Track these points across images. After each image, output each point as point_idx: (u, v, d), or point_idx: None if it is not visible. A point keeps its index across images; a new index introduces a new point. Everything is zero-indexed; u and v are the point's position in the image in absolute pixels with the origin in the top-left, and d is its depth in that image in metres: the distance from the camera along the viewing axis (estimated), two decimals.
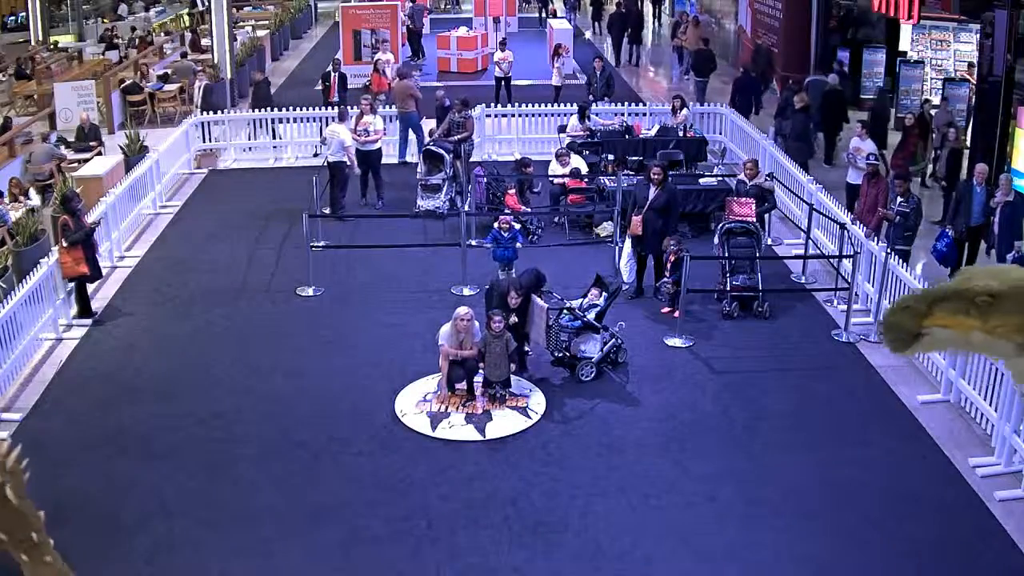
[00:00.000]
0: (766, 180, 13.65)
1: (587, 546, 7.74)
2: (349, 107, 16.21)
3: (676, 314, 11.31)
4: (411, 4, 28.11)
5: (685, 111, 17.19)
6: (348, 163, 15.03)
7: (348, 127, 15.34)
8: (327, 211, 14.80)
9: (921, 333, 5.78)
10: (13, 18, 33.44)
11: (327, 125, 16.45)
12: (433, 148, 15.16)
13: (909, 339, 5.78)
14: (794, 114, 16.64)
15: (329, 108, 18.17)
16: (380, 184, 15.75)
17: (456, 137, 15.63)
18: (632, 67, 27.44)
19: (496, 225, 12.21)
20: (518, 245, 12.25)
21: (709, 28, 25.64)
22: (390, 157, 17.22)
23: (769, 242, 13.68)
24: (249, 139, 18.78)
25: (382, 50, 22.28)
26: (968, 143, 16.25)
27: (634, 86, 24.58)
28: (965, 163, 15.11)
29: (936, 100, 18.15)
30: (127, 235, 14.42)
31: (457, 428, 9.43)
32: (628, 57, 27.72)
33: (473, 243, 13.04)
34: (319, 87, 20.48)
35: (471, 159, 16.67)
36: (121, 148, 16.72)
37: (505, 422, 9.49)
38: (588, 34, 32.73)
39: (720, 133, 18.61)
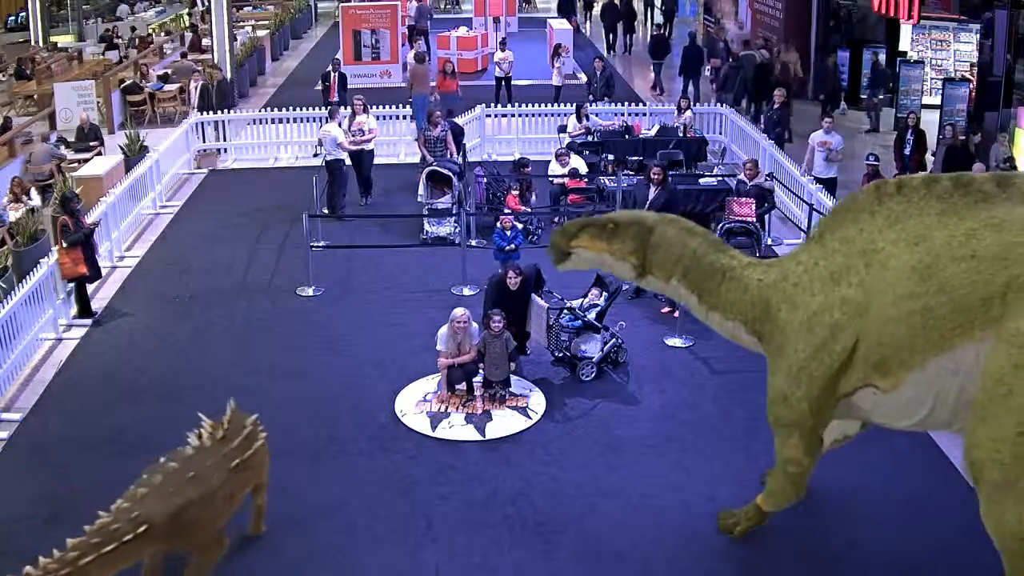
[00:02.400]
0: (766, 180, 13.66)
1: (587, 546, 7.74)
2: (342, 107, 16.20)
3: (676, 314, 11.31)
4: (417, 4, 28.10)
5: (689, 112, 17.21)
6: (345, 159, 15.02)
7: (342, 128, 15.31)
8: (327, 211, 14.80)
9: (570, 252, 7.35)
10: (13, 18, 33.42)
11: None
12: (439, 169, 14.36)
13: (562, 256, 7.39)
14: (774, 111, 16.96)
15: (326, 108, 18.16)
16: (368, 184, 15.77)
17: (450, 155, 15.40)
18: (626, 56, 28.11)
19: (499, 224, 12.22)
20: (510, 248, 12.16)
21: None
22: (383, 157, 17.20)
23: (769, 242, 13.67)
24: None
25: (413, 48, 22.21)
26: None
27: (632, 83, 24.56)
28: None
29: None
30: (127, 235, 14.42)
31: (457, 428, 9.43)
32: (622, 47, 28.62)
33: (473, 243, 13.02)
34: (319, 87, 20.48)
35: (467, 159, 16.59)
36: (121, 148, 16.71)
37: (505, 422, 9.49)
38: (586, 30, 32.98)
39: (720, 133, 18.62)
